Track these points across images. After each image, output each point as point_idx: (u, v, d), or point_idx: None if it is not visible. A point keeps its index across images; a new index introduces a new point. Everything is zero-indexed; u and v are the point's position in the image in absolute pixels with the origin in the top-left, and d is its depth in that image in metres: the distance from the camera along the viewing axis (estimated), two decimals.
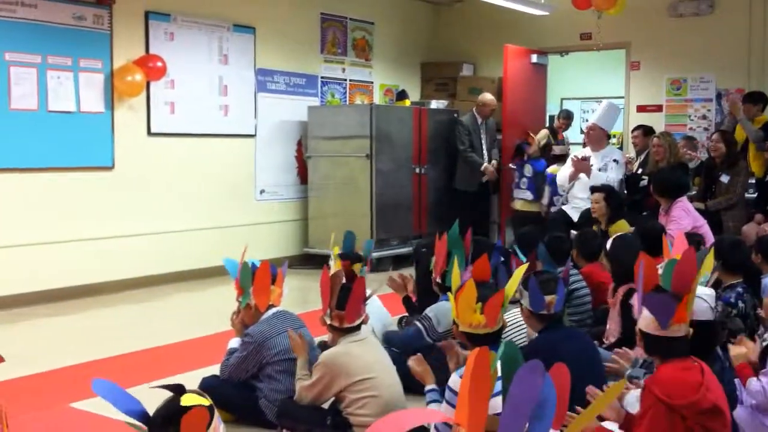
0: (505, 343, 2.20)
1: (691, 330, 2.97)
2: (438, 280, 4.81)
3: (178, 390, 2.10)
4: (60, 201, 7.30)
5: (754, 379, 3.52)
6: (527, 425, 1.99)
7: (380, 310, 5.19)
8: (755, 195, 7.78)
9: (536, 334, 3.88)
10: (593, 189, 7.08)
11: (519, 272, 3.57)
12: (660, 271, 3.13)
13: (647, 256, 3.15)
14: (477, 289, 3.34)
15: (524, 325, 4.36)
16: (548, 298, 3.73)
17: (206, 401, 2.08)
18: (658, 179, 6.70)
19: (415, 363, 3.56)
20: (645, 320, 2.88)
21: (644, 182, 7.90)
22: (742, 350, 3.72)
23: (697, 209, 7.08)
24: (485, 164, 9.52)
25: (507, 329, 4.31)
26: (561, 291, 3.76)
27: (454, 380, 3.06)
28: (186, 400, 2.05)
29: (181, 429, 1.97)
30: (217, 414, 2.07)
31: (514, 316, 4.44)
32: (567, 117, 10.36)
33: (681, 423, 2.73)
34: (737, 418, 3.44)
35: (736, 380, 3.63)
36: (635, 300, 2.97)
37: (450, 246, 4.73)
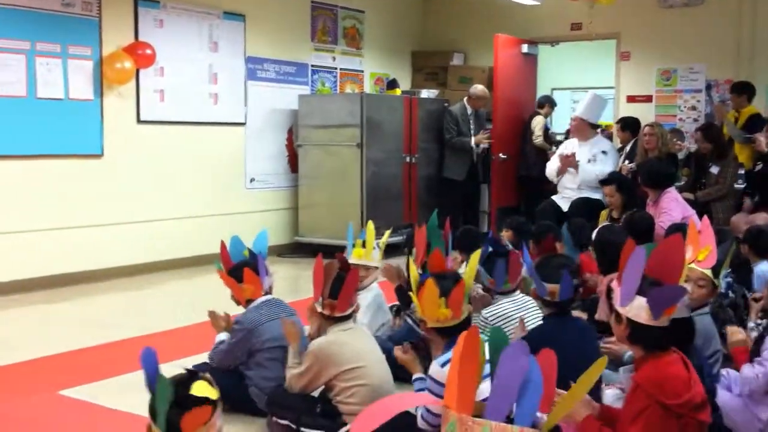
0: (492, 329, 2.21)
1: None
2: (419, 271, 4.80)
3: (191, 375, 2.10)
4: (48, 188, 7.27)
5: (748, 365, 3.53)
6: (514, 407, 2.01)
7: (380, 299, 5.21)
8: (743, 185, 7.82)
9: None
10: (602, 182, 7.13)
11: (474, 258, 3.55)
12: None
13: (633, 242, 3.13)
14: (438, 282, 3.26)
15: (515, 317, 4.38)
16: (550, 286, 3.69)
17: (214, 393, 2.07)
18: (646, 170, 6.73)
19: (401, 351, 3.56)
20: (636, 309, 2.77)
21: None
22: (740, 336, 3.73)
23: (687, 200, 7.11)
24: (473, 138, 9.62)
25: (500, 320, 4.33)
26: (566, 280, 3.67)
27: (435, 369, 3.06)
28: (196, 389, 2.04)
29: (182, 423, 1.98)
30: (219, 407, 2.07)
31: (503, 307, 4.44)
32: (552, 104, 10.38)
33: (675, 421, 2.72)
34: (724, 406, 3.46)
35: (723, 370, 3.65)
36: (615, 285, 2.91)
37: (429, 236, 4.73)
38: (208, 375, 2.14)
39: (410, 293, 4.89)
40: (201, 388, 2.05)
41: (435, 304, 3.24)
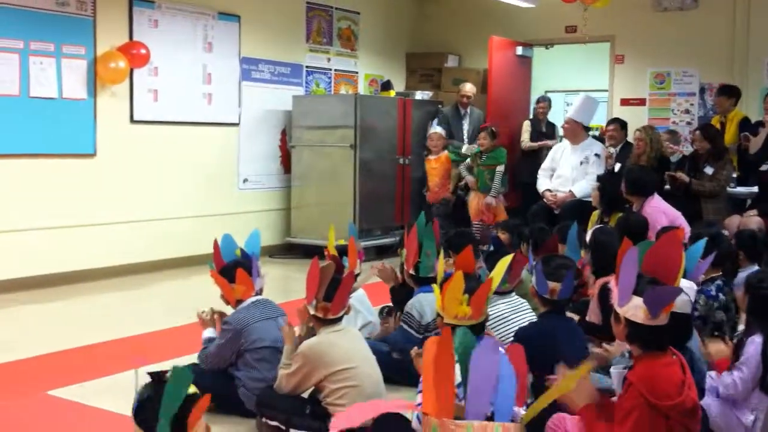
0: (459, 330, 2.21)
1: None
2: (411, 272, 4.81)
3: (162, 378, 2.09)
4: (41, 188, 7.24)
5: (726, 372, 3.55)
6: (492, 403, 2.02)
7: (365, 303, 5.21)
8: (735, 188, 7.86)
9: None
10: (598, 178, 7.18)
11: (504, 262, 3.58)
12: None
13: (629, 241, 3.15)
14: (464, 279, 3.34)
15: (510, 319, 4.38)
16: (552, 284, 3.76)
17: (194, 387, 2.08)
18: (629, 179, 6.66)
19: (416, 353, 3.39)
20: (633, 308, 2.79)
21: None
22: (720, 347, 3.75)
23: (677, 197, 7.13)
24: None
25: (493, 322, 4.34)
26: (568, 281, 3.77)
27: None
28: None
29: (189, 420, 1.99)
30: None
31: (499, 308, 4.45)
32: (544, 99, 10.38)
33: (664, 422, 2.72)
34: (707, 408, 3.47)
35: (712, 372, 3.66)
36: (613, 285, 2.93)
37: (420, 237, 4.74)
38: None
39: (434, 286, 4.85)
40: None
41: (457, 299, 3.27)
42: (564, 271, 3.78)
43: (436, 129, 9.42)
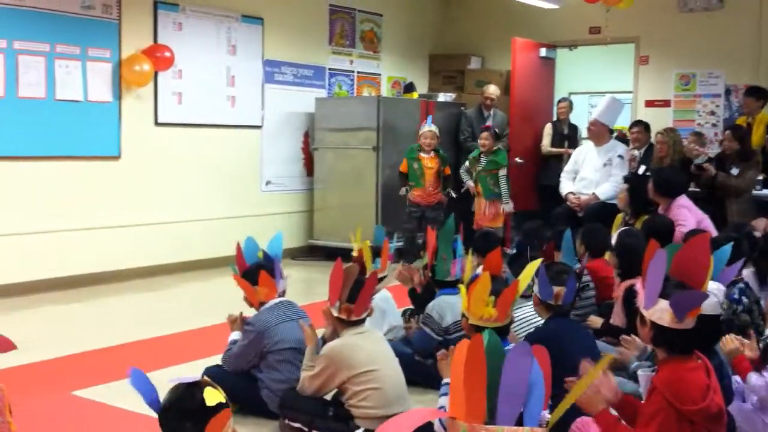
0: (485, 333, 2.19)
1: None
2: (429, 274, 4.82)
3: (195, 385, 2.11)
4: (66, 190, 7.31)
5: (755, 374, 3.51)
6: (522, 407, 2.01)
7: (390, 304, 5.21)
8: (761, 191, 7.79)
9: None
10: (625, 179, 7.12)
11: (532, 266, 3.56)
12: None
13: (656, 244, 3.12)
14: (491, 281, 3.34)
15: (531, 322, 4.37)
16: (556, 289, 3.77)
17: (223, 396, 2.09)
18: (660, 179, 6.61)
19: (442, 355, 3.44)
20: (659, 312, 2.77)
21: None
22: (735, 344, 3.72)
23: (702, 199, 7.06)
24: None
25: (515, 325, 4.32)
26: (571, 284, 3.79)
27: None
28: (209, 398, 2.06)
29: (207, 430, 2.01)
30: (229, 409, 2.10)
31: (524, 310, 4.44)
32: (565, 100, 10.36)
33: (688, 427, 2.71)
34: (734, 413, 3.43)
35: (735, 377, 3.62)
36: (639, 287, 2.91)
37: (438, 240, 4.74)
38: (207, 379, 2.15)
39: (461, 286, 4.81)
40: (212, 395, 2.06)
41: (483, 300, 3.27)
42: (565, 276, 3.80)
43: (431, 127, 8.51)
